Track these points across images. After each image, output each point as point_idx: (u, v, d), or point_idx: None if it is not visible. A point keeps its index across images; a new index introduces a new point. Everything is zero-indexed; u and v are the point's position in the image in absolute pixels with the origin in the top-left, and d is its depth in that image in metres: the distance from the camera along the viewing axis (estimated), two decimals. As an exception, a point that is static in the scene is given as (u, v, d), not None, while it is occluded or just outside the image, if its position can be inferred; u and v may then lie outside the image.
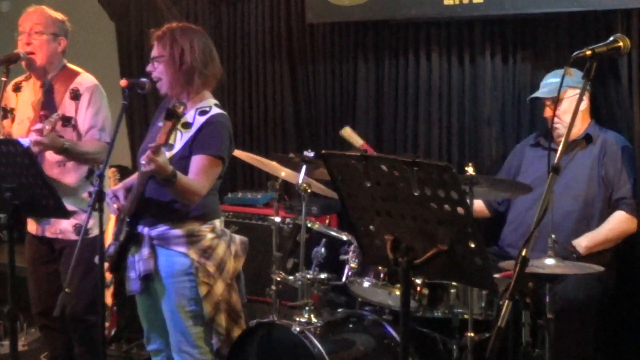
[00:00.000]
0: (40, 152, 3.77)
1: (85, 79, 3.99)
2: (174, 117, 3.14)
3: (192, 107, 3.38)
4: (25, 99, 4.04)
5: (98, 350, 3.87)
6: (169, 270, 3.37)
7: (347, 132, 4.17)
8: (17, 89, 4.08)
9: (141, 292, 3.42)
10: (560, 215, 3.86)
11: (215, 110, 3.38)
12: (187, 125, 3.34)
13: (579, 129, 4.05)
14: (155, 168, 3.11)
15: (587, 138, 4.03)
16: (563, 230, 3.82)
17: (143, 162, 3.12)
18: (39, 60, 3.91)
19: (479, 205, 4.22)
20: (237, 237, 3.53)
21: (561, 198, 3.92)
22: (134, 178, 3.54)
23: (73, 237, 3.92)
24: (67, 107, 3.92)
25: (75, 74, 4.00)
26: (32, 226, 4.03)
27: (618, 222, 3.90)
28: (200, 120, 3.34)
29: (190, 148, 3.31)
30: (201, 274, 3.34)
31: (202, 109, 3.37)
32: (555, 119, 4.01)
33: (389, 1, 4.62)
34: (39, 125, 3.64)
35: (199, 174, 3.28)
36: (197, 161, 3.29)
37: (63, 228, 3.95)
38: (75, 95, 3.93)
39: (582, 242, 3.85)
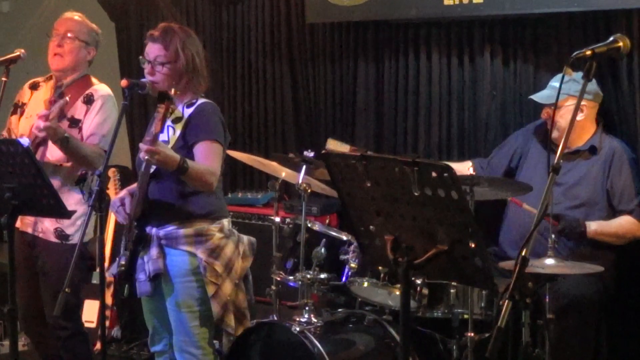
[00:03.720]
0: (43, 137, 3.76)
1: (102, 88, 4.04)
2: (167, 99, 3.15)
3: (181, 103, 3.42)
4: (39, 97, 4.06)
5: (83, 353, 3.94)
6: (177, 270, 3.37)
7: (333, 144, 4.14)
8: (34, 87, 4.11)
9: (152, 293, 3.40)
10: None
11: (202, 100, 3.42)
12: (178, 120, 3.38)
13: (582, 139, 4.01)
14: (160, 159, 3.12)
15: (592, 150, 4.01)
16: (563, 236, 3.83)
17: (146, 157, 3.12)
18: (64, 62, 3.95)
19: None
20: (245, 237, 3.54)
21: (563, 203, 3.91)
22: (136, 185, 3.54)
23: (52, 238, 3.90)
24: (78, 109, 3.94)
25: (92, 84, 4.04)
26: (18, 222, 3.99)
27: (628, 224, 3.89)
28: (189, 111, 3.38)
29: (184, 138, 3.32)
30: (209, 273, 3.34)
31: (189, 102, 3.41)
32: (550, 122, 4.01)
33: (389, 1, 4.62)
34: (44, 112, 3.65)
35: (205, 158, 3.30)
36: (199, 148, 3.31)
37: (45, 227, 3.92)
38: (89, 100, 3.96)
39: (592, 226, 3.85)
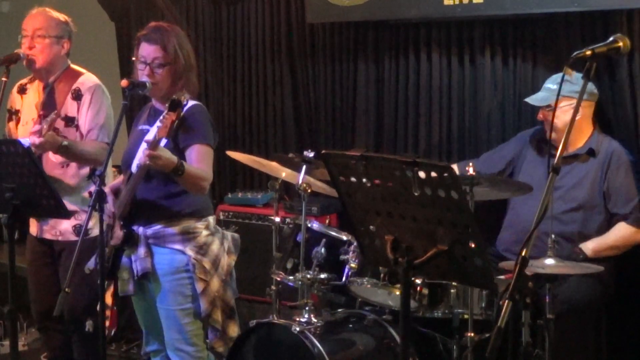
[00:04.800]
0: (43, 153, 3.77)
1: (87, 79, 3.99)
2: (179, 107, 3.15)
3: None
4: (29, 100, 4.04)
5: (97, 351, 3.88)
6: (166, 268, 3.38)
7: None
8: (22, 90, 4.09)
9: (135, 293, 3.42)
10: (559, 224, 3.84)
11: (192, 102, 3.40)
12: None
13: (579, 140, 3.99)
14: (161, 163, 3.12)
15: (590, 152, 3.99)
16: (562, 239, 3.82)
17: (146, 161, 3.11)
18: (39, 62, 3.91)
19: None
20: (229, 234, 3.56)
21: (559, 207, 3.90)
22: (119, 182, 3.54)
23: (73, 238, 3.91)
24: (69, 107, 3.93)
25: (77, 75, 4.00)
26: (33, 228, 4.03)
27: (624, 232, 3.87)
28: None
29: (175, 140, 3.32)
30: (198, 270, 3.36)
31: None
32: (547, 126, 4.00)
33: (389, 1, 4.62)
34: (36, 127, 3.63)
35: (199, 162, 3.30)
36: (192, 152, 3.32)
37: (63, 229, 3.95)
38: (77, 96, 3.94)
39: (589, 245, 3.84)
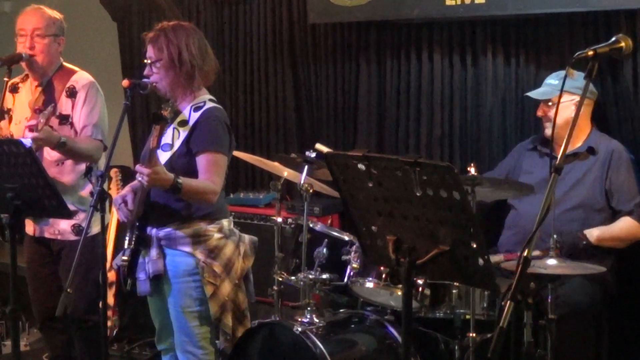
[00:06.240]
0: (38, 149, 3.77)
1: (82, 77, 4.00)
2: (161, 120, 3.17)
3: (188, 104, 3.40)
4: (22, 99, 4.04)
5: (99, 350, 3.89)
6: (175, 271, 3.37)
7: (319, 148, 4.10)
8: (13, 89, 4.08)
9: (151, 293, 3.42)
10: (561, 223, 3.83)
11: (209, 105, 3.39)
12: (184, 123, 3.36)
13: (578, 139, 3.98)
14: (156, 183, 3.14)
15: (590, 150, 3.98)
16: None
17: (144, 181, 3.13)
18: (40, 62, 3.91)
19: None
20: (247, 237, 3.54)
21: (561, 206, 3.89)
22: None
23: (72, 237, 3.92)
24: (64, 105, 3.93)
25: (71, 72, 4.00)
26: (29, 227, 4.02)
27: (629, 225, 3.86)
28: (195, 116, 3.36)
29: (188, 145, 3.32)
30: (207, 274, 3.34)
31: (197, 105, 3.39)
32: (545, 120, 4.01)
33: (391, 1, 4.62)
34: (32, 122, 3.64)
35: (207, 172, 3.29)
36: (201, 160, 3.31)
37: (62, 229, 3.95)
38: (72, 93, 3.94)
39: (594, 232, 3.83)
